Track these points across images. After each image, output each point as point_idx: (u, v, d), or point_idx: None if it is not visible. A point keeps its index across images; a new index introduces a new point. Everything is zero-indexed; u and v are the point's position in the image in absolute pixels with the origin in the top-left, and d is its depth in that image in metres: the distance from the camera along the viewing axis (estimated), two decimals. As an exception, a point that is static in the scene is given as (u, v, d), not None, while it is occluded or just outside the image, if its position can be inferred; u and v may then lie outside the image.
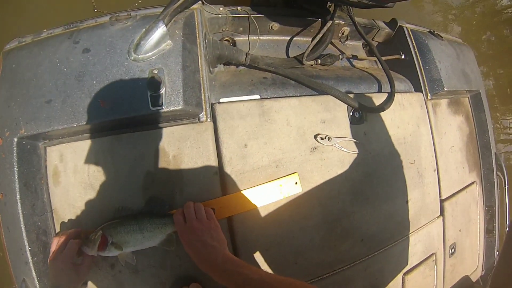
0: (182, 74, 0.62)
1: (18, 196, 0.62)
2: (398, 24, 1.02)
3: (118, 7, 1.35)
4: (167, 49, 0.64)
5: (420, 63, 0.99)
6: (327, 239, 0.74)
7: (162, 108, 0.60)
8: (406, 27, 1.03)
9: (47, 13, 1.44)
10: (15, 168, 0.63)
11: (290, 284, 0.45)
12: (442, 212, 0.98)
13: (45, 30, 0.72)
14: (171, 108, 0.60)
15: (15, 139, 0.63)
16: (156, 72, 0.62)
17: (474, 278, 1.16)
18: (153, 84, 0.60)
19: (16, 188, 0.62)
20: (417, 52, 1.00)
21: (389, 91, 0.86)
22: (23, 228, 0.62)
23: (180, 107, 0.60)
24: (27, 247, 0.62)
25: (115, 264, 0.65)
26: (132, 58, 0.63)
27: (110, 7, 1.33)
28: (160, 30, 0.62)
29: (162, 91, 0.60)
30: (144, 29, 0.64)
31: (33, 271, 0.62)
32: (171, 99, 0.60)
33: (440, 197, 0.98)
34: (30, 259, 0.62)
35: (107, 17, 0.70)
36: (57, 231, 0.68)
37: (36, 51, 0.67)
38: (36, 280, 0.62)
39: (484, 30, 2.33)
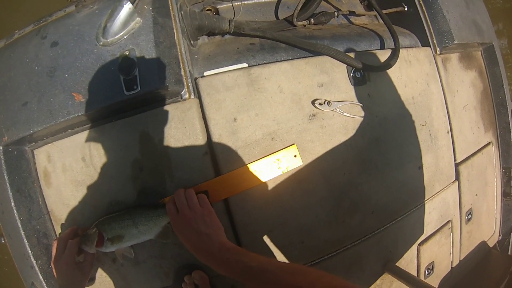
0: (156, 51, 0.56)
1: (13, 204, 0.62)
2: (398, -28, 0.90)
3: None
4: (136, 28, 0.58)
5: (426, 14, 0.88)
6: (334, 214, 0.69)
7: (138, 91, 0.54)
8: (407, -25, 0.91)
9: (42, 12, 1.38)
10: (6, 176, 0.62)
11: (292, 269, 0.43)
12: (457, 177, 0.92)
13: (17, 31, 0.69)
14: (147, 89, 0.54)
15: (0, 148, 0.62)
16: (127, 53, 0.57)
17: (491, 243, 1.11)
18: (125, 66, 0.55)
19: (9, 195, 0.62)
20: (421, 2, 0.89)
21: (393, 47, 0.77)
22: (23, 234, 0.62)
23: (156, 87, 0.54)
24: (29, 251, 0.63)
25: (116, 259, 0.65)
26: (101, 43, 0.58)
27: None
28: (125, 8, 0.56)
29: (136, 72, 0.55)
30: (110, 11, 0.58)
31: (39, 274, 0.63)
32: (146, 80, 0.55)
33: (455, 160, 0.91)
34: (34, 263, 0.63)
35: (74, 6, 0.64)
36: (57, 232, 0.68)
37: (7, 54, 0.65)
38: (43, 282, 0.63)
39: None
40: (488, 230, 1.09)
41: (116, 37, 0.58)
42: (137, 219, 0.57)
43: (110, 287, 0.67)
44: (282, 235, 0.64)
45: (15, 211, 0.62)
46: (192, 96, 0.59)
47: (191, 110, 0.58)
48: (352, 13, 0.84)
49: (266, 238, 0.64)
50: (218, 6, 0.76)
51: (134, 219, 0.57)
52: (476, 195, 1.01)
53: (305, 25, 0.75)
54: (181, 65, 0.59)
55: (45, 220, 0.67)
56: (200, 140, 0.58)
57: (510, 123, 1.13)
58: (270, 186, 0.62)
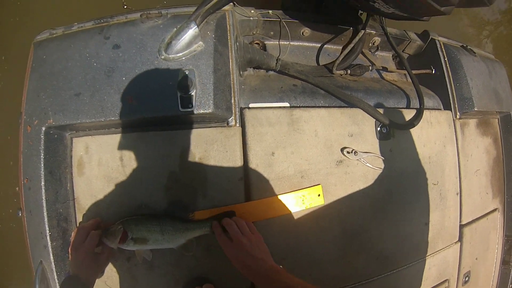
0: (214, 77, 0.67)
1: (43, 183, 0.69)
2: (430, 37, 1.07)
3: (147, 4, 1.43)
4: (198, 51, 0.69)
5: (451, 79, 1.04)
6: (343, 253, 0.80)
7: (192, 110, 0.65)
8: (439, 40, 1.08)
9: (75, 5, 1.54)
10: (42, 156, 0.70)
11: None
12: (460, 238, 1.04)
13: (76, 23, 0.78)
14: (201, 111, 0.65)
15: (43, 128, 0.70)
16: (187, 73, 0.67)
17: (486, 309, 1.22)
18: (184, 85, 0.65)
19: (41, 175, 0.69)
20: (448, 67, 1.05)
21: (418, 107, 0.92)
22: (45, 214, 0.69)
23: (210, 111, 0.65)
24: (47, 231, 0.69)
25: (131, 258, 0.72)
26: (163, 57, 0.68)
27: (139, 5, 1.41)
28: (192, 31, 0.67)
29: (193, 93, 0.66)
30: (175, 29, 0.70)
31: (51, 255, 0.69)
32: (201, 102, 0.66)
33: (460, 221, 1.04)
34: (49, 243, 0.69)
35: (137, 14, 0.75)
36: (77, 219, 0.75)
37: (67, 45, 0.73)
38: (53, 263, 0.69)
39: None
40: (483, 295, 1.21)
41: (178, 55, 0.68)
42: (165, 227, 0.65)
43: (116, 283, 0.73)
44: (293, 264, 0.74)
45: (43, 190, 0.69)
46: (237, 124, 0.71)
47: (235, 137, 0.70)
48: (385, 69, 1.00)
49: (279, 264, 0.75)
50: (266, 42, 0.91)
51: (162, 226, 0.65)
52: (476, 258, 1.13)
53: (341, 75, 0.91)
54: (232, 94, 0.71)
55: (69, 206, 0.74)
56: (238, 166, 0.70)
57: (518, 192, 1.28)
58: (291, 218, 0.73)
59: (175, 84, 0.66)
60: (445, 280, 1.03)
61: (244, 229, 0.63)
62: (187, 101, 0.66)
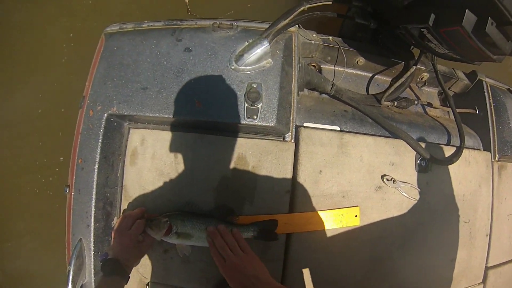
0: (279, 93, 0.75)
1: (96, 166, 0.77)
2: (477, 77, 1.14)
3: (211, 14, 1.57)
4: (267, 67, 0.77)
5: (494, 121, 1.10)
6: (368, 277, 0.87)
7: (255, 122, 0.73)
8: (486, 82, 1.14)
9: (134, 7, 1.72)
10: (100, 140, 0.77)
11: None
12: (484, 280, 1.08)
13: (146, 21, 0.87)
14: (264, 123, 0.73)
15: (105, 115, 0.76)
16: (255, 86, 0.75)
17: None
18: (252, 97, 0.73)
19: (96, 158, 0.77)
20: (492, 109, 1.11)
21: (458, 145, 0.99)
22: (93, 195, 0.76)
23: (272, 124, 0.74)
24: (93, 212, 0.76)
25: (169, 250, 0.80)
26: (233, 67, 0.76)
27: (203, 13, 1.58)
28: (264, 48, 0.75)
29: (259, 105, 0.74)
30: (246, 42, 0.78)
31: (92, 234, 0.76)
32: (266, 115, 0.74)
33: (486, 263, 1.08)
34: (92, 223, 0.76)
35: (208, 22, 0.84)
36: (122, 206, 0.82)
37: (139, 40, 0.81)
38: (92, 243, 0.76)
39: None
40: None
41: (248, 67, 0.75)
42: (209, 226, 0.71)
43: (149, 272, 0.81)
44: (320, 280, 0.82)
45: (95, 173, 0.76)
46: (292, 141, 0.81)
47: (288, 151, 0.80)
48: (429, 104, 1.09)
49: (305, 277, 0.82)
50: (322, 66, 1.02)
51: (207, 225, 0.71)
52: (498, 303, 1.17)
53: (388, 106, 1.00)
54: (292, 112, 0.80)
55: (117, 192, 0.82)
56: (287, 178, 0.79)
57: (549, 242, 1.30)
58: (327, 235, 0.82)
59: (242, 94, 0.74)
60: (464, 321, 1.07)
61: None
62: (253, 112, 0.73)
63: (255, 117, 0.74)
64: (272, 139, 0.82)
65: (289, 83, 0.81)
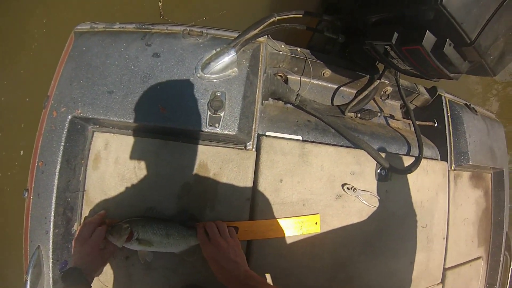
0: (242, 102, 0.70)
1: (57, 169, 0.68)
2: (437, 93, 1.11)
3: (183, 19, 1.47)
4: (232, 76, 0.72)
5: (451, 133, 1.07)
6: (330, 282, 0.82)
7: (217, 130, 0.68)
8: (445, 97, 1.12)
9: (110, 5, 1.56)
10: (62, 143, 0.69)
11: None
12: (443, 280, 1.04)
13: (118, 22, 0.78)
14: (225, 132, 0.68)
15: (69, 117, 0.68)
16: (219, 94, 0.69)
17: None
18: (215, 105, 0.67)
19: (58, 161, 0.68)
20: (450, 122, 1.09)
21: (417, 155, 0.95)
22: (53, 200, 0.67)
23: (233, 133, 0.68)
24: (52, 217, 0.67)
25: (130, 257, 0.71)
26: (199, 75, 0.70)
27: (175, 17, 1.46)
28: (231, 57, 0.70)
29: (221, 114, 0.68)
30: (214, 51, 0.72)
31: (51, 241, 0.67)
32: (227, 124, 0.68)
33: (444, 265, 1.04)
34: (51, 230, 0.67)
35: (178, 28, 0.76)
36: (83, 211, 0.72)
37: (108, 42, 0.73)
38: (51, 250, 0.67)
39: None
40: None
41: (214, 76, 0.70)
42: (170, 231, 0.65)
43: (111, 280, 0.71)
44: (283, 286, 0.76)
45: (56, 176, 0.67)
46: (253, 149, 0.75)
47: (249, 160, 0.74)
48: (392, 116, 1.04)
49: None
50: (288, 76, 0.96)
51: (168, 231, 0.65)
52: (456, 302, 1.12)
53: (352, 117, 0.94)
54: (254, 121, 0.75)
55: (78, 197, 0.72)
56: (248, 186, 0.73)
57: (503, 243, 1.27)
58: (288, 241, 0.76)
59: (206, 102, 0.69)
60: (425, 320, 1.02)
61: (224, 232, 0.64)
62: (215, 120, 0.68)
63: (217, 125, 0.68)
64: (233, 147, 0.75)
65: (253, 93, 0.76)
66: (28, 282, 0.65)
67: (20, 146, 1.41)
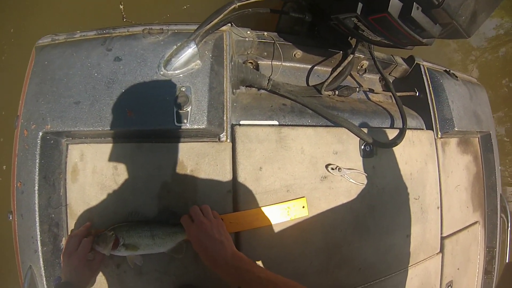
0: (208, 94, 0.67)
1: (36, 187, 0.66)
2: (415, 62, 1.08)
3: (147, 18, 1.41)
4: (195, 69, 0.69)
5: (434, 101, 1.04)
6: (326, 265, 0.78)
7: (186, 125, 0.65)
8: (423, 65, 1.08)
9: (75, 14, 1.51)
10: (37, 161, 0.67)
11: (294, 286, 0.48)
12: (441, 249, 1.02)
13: (78, 31, 0.76)
14: (195, 126, 0.65)
15: (40, 133, 0.67)
16: (183, 90, 0.67)
17: (469, 318, 1.18)
18: (180, 101, 0.65)
19: (35, 179, 0.67)
20: (431, 90, 1.06)
21: (401, 127, 0.91)
22: (37, 218, 0.66)
23: (203, 126, 0.65)
24: (38, 236, 0.66)
25: (121, 264, 0.70)
26: (162, 73, 0.68)
27: (139, 18, 1.40)
28: (191, 50, 0.67)
29: (188, 109, 0.66)
30: (175, 46, 0.69)
31: (41, 259, 0.66)
32: (196, 118, 0.66)
33: (441, 234, 1.02)
34: (40, 248, 0.66)
35: (139, 28, 0.74)
36: (69, 225, 0.71)
37: (69, 53, 0.71)
38: (42, 268, 0.66)
39: (504, 75, 2.37)
40: (467, 305, 1.17)
41: (177, 71, 0.68)
42: (155, 231, 0.64)
43: None
44: (278, 274, 0.73)
45: (36, 194, 0.66)
46: (228, 140, 0.71)
47: (225, 151, 0.70)
48: (371, 90, 1.00)
49: None
50: (259, 62, 0.91)
51: (153, 231, 0.64)
52: (458, 269, 1.10)
53: (329, 95, 0.90)
54: (225, 111, 0.71)
55: (61, 211, 0.70)
56: (227, 179, 0.69)
57: (498, 206, 1.25)
58: (277, 229, 0.72)
59: (172, 99, 0.66)
60: (427, 290, 1.00)
61: (206, 212, 0.61)
62: (183, 116, 0.66)
63: (185, 121, 0.65)
64: (207, 141, 0.71)
65: (220, 83, 0.71)
66: None
67: (2, 161, 1.37)
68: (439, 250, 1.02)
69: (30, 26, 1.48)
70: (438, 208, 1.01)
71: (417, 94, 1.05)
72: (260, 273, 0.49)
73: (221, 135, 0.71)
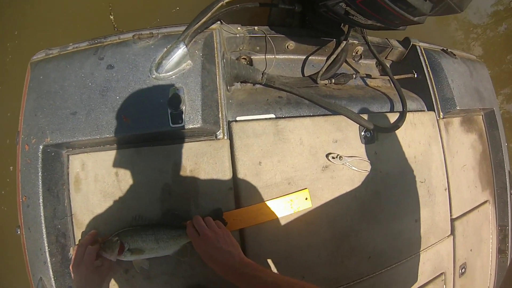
0: (201, 93, 0.66)
1: (41, 200, 0.67)
2: (411, 43, 1.03)
3: (138, 26, 1.40)
4: (187, 69, 0.68)
5: (433, 82, 0.99)
6: (334, 255, 0.75)
7: (182, 126, 0.64)
8: (419, 46, 1.03)
9: (67, 28, 1.51)
10: (40, 174, 0.67)
11: (301, 286, 0.49)
12: (452, 231, 0.98)
13: (71, 44, 0.76)
14: (190, 126, 0.64)
15: (41, 147, 0.67)
16: (176, 91, 0.65)
17: (485, 299, 1.13)
18: (174, 102, 0.64)
19: (39, 192, 0.67)
20: (429, 70, 1.01)
21: (401, 110, 0.87)
22: (44, 230, 0.66)
23: (198, 125, 0.64)
24: (46, 247, 0.66)
25: (129, 269, 0.69)
26: (154, 76, 0.67)
27: (130, 27, 1.37)
28: (181, 51, 0.66)
29: (182, 109, 0.64)
30: (165, 49, 0.68)
31: (51, 270, 0.66)
32: (190, 117, 0.64)
33: (450, 216, 0.98)
34: (48, 259, 0.66)
35: (129, 35, 0.73)
36: (76, 235, 0.71)
37: (63, 65, 0.71)
38: (53, 279, 0.66)
39: (508, 51, 2.28)
40: (482, 285, 1.12)
41: (168, 73, 0.67)
42: (159, 235, 0.63)
43: None
44: (286, 268, 0.70)
45: (41, 207, 0.66)
46: (225, 137, 0.69)
47: (223, 149, 0.68)
48: (368, 76, 0.96)
49: (271, 269, 0.71)
50: (253, 57, 0.88)
51: (157, 235, 0.63)
52: (471, 250, 1.06)
53: (326, 84, 0.87)
54: (220, 109, 0.69)
55: (67, 222, 0.70)
56: (227, 176, 0.67)
57: (507, 183, 1.20)
58: (281, 223, 0.70)
59: (165, 101, 0.65)
60: (441, 273, 0.96)
61: (210, 224, 0.61)
62: (177, 117, 0.64)
63: (180, 122, 0.64)
64: (205, 140, 0.69)
65: (213, 81, 0.69)
66: None
67: (9, 162, 1.39)
68: (450, 233, 0.97)
69: (24, 42, 1.48)
70: (445, 189, 0.97)
71: (416, 75, 1.00)
72: (267, 277, 0.50)
73: (218, 133, 0.69)
